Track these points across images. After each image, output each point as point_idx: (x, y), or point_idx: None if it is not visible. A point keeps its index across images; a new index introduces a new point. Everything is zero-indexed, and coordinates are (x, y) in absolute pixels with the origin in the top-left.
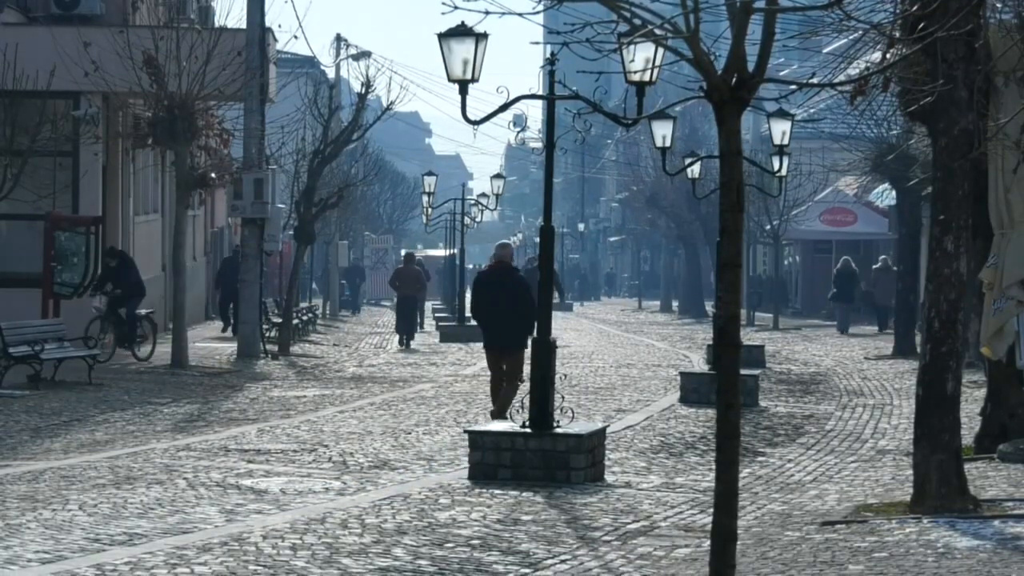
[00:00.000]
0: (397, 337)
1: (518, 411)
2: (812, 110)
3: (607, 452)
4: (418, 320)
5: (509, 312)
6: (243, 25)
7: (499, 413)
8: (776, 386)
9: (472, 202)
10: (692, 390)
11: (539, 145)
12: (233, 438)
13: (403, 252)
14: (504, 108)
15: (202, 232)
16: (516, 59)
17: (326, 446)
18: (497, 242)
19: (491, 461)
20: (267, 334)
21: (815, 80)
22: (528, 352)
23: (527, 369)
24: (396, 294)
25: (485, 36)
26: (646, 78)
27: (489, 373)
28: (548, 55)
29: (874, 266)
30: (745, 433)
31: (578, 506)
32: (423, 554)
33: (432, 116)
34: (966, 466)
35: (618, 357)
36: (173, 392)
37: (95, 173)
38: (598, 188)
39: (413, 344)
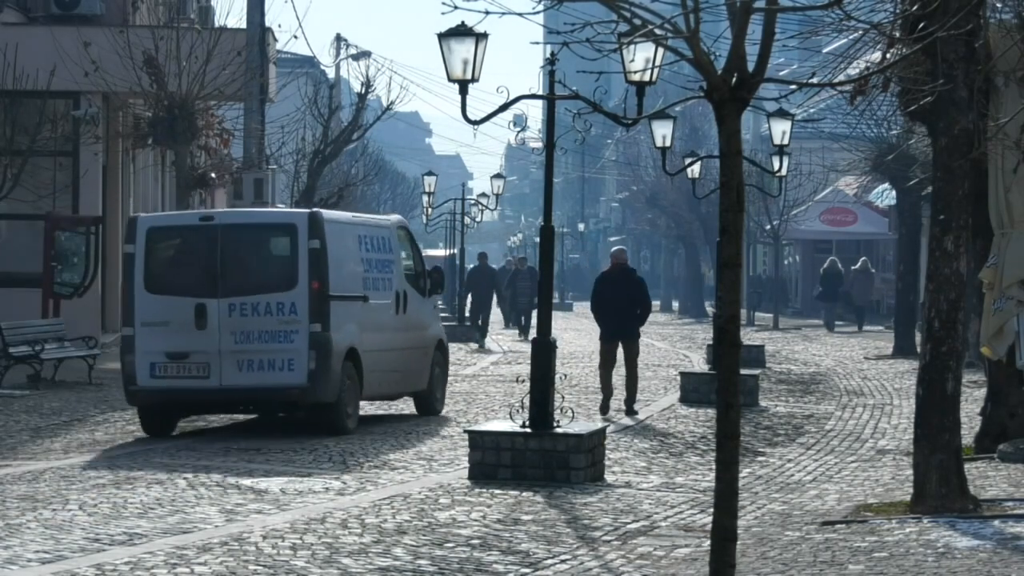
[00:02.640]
0: None
1: (518, 411)
2: (812, 110)
3: (607, 452)
4: None
5: (627, 307)
6: (243, 25)
7: (630, 402)
8: (776, 386)
9: (472, 202)
10: (692, 390)
11: (539, 145)
12: (233, 438)
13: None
14: (504, 108)
15: None
16: (516, 59)
17: (326, 446)
18: (614, 248)
19: (491, 461)
20: None
21: (815, 80)
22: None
23: (528, 369)
24: None
25: (485, 36)
26: (646, 78)
27: (599, 373)
28: (548, 55)
29: (852, 267)
30: (745, 433)
31: (578, 506)
32: (423, 554)
33: (432, 116)
34: (966, 466)
35: (618, 357)
36: None
37: (95, 173)
38: (598, 188)
39: None
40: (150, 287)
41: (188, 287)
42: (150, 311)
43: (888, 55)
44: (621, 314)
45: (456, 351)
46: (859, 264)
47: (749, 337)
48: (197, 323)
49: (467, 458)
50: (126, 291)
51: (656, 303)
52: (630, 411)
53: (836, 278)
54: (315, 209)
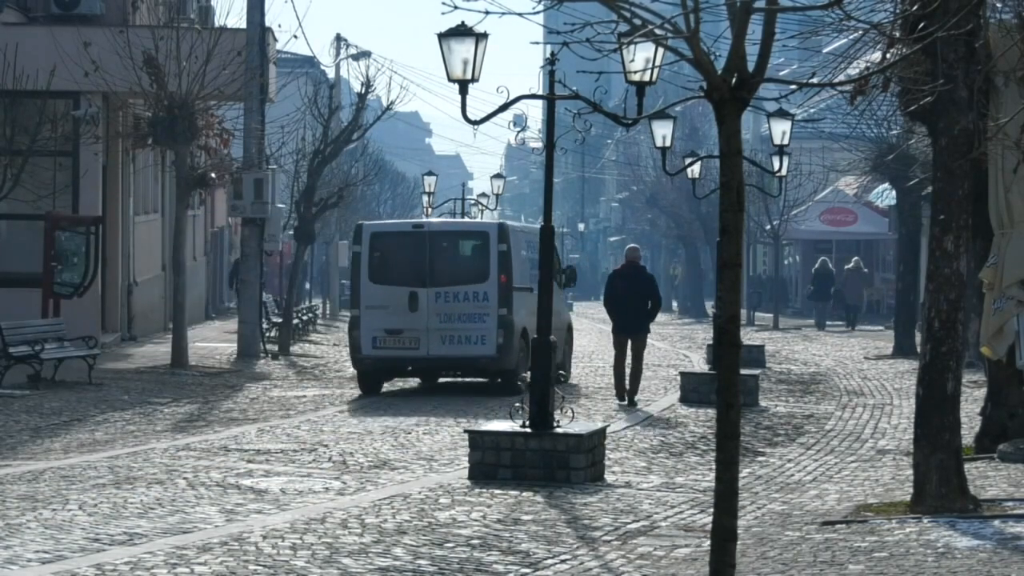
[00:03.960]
0: None
1: (518, 411)
2: (812, 110)
3: (607, 452)
4: None
5: (638, 303)
6: (243, 25)
7: (632, 394)
8: (776, 386)
9: (472, 202)
10: (692, 390)
11: (539, 145)
12: (233, 438)
13: None
14: (504, 108)
15: (202, 232)
16: (516, 59)
17: (326, 446)
18: (628, 246)
19: (491, 461)
20: (267, 334)
21: (815, 80)
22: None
23: (527, 371)
24: None
25: (485, 36)
26: (646, 78)
27: (613, 363)
28: (548, 55)
29: (845, 267)
30: (745, 433)
31: (578, 506)
32: (423, 554)
33: (432, 116)
34: (966, 466)
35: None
36: (173, 392)
37: (95, 173)
38: (598, 188)
39: None
40: (373, 279)
41: (403, 279)
42: (373, 297)
43: (888, 55)
44: (632, 309)
45: None
46: (851, 264)
47: (749, 337)
48: (410, 307)
49: (467, 458)
50: (355, 281)
51: None
52: (631, 402)
53: (827, 278)
54: (503, 221)
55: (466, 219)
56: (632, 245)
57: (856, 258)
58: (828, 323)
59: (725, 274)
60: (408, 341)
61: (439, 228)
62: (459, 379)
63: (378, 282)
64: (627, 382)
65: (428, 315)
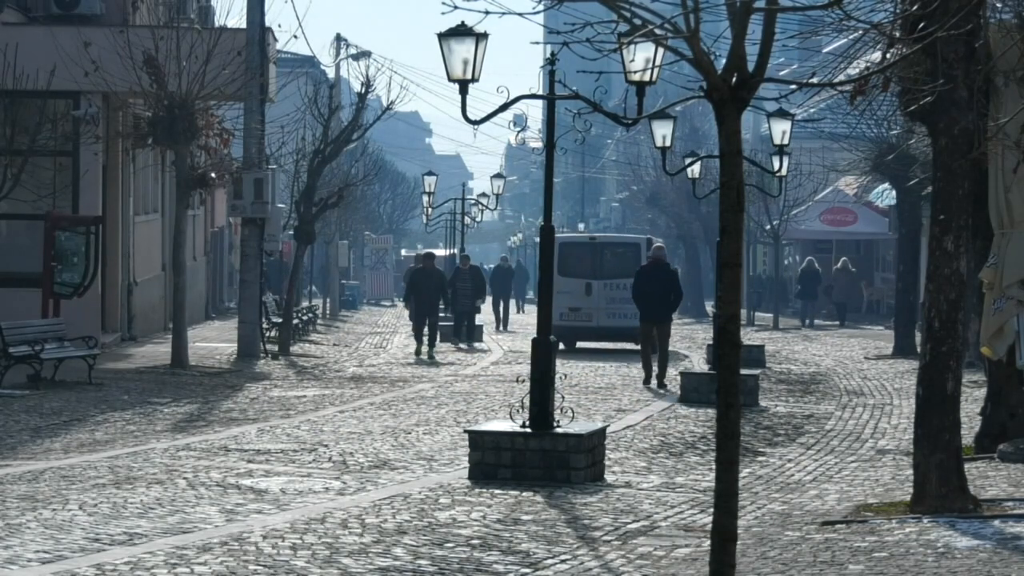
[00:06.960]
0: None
1: (518, 411)
2: (812, 110)
3: (607, 452)
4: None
5: (663, 295)
6: (243, 25)
7: (660, 376)
8: (776, 386)
9: (472, 202)
10: (692, 390)
11: (539, 145)
12: (233, 438)
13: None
14: (504, 108)
15: (202, 232)
16: (516, 59)
17: (326, 446)
18: (654, 245)
19: (491, 461)
20: (267, 334)
21: (815, 80)
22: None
23: (527, 369)
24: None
25: (485, 36)
26: (646, 78)
27: (641, 350)
28: (548, 55)
29: (835, 267)
30: (745, 433)
31: (578, 506)
32: (423, 554)
33: (432, 116)
34: (966, 466)
35: (618, 357)
36: (173, 392)
37: (95, 173)
38: (598, 188)
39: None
40: (560, 273)
41: (581, 273)
42: (560, 285)
43: (888, 55)
44: (657, 301)
45: (456, 351)
46: (840, 264)
47: (749, 337)
48: (586, 292)
49: (467, 458)
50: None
51: None
52: (660, 384)
53: (814, 277)
54: (650, 236)
55: (625, 235)
56: (658, 244)
57: (844, 258)
58: (816, 321)
59: (725, 274)
60: (584, 316)
61: (606, 240)
62: (591, 344)
63: (564, 275)
64: (655, 367)
65: (598, 298)
